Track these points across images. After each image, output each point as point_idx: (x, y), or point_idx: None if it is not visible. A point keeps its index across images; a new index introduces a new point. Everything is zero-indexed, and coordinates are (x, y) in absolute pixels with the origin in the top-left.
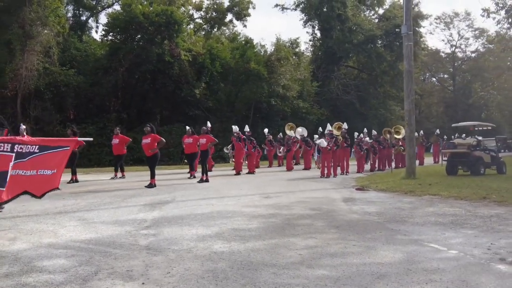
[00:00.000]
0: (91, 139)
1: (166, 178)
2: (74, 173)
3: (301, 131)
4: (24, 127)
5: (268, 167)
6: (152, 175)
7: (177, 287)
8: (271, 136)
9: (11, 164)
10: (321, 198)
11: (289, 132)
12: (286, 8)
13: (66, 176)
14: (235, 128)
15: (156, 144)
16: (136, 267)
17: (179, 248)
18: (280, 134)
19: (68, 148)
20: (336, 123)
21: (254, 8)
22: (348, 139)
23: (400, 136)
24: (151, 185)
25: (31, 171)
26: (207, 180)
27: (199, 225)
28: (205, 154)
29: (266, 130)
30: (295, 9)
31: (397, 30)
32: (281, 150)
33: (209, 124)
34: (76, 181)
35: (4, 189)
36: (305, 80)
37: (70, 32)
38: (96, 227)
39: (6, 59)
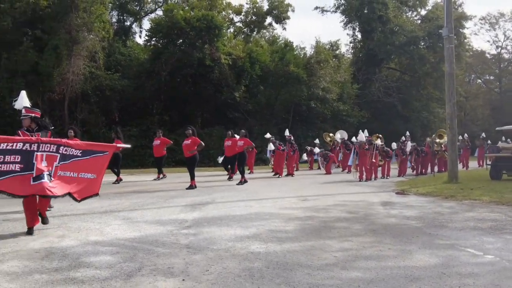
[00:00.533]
0: (129, 146)
1: (206, 180)
2: (118, 174)
3: (341, 135)
4: (72, 132)
5: (309, 169)
6: (192, 177)
7: (215, 284)
8: (309, 148)
9: (56, 164)
10: (359, 201)
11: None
12: (326, 11)
13: (112, 177)
14: (269, 136)
15: (195, 146)
16: (176, 264)
17: (218, 248)
18: (317, 140)
19: (107, 153)
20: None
21: (293, 11)
22: (389, 151)
23: (443, 141)
24: (192, 187)
25: (72, 173)
26: (245, 181)
27: (237, 226)
28: (242, 156)
29: (308, 148)
30: (335, 11)
31: (440, 31)
32: (320, 163)
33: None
34: (120, 180)
35: (52, 184)
36: (345, 83)
37: (114, 37)
38: (139, 226)
39: (54, 63)
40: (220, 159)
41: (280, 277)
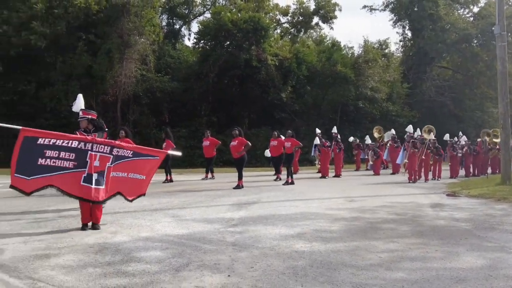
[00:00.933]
0: (180, 153)
1: (253, 180)
2: (168, 173)
3: (391, 134)
4: (123, 133)
5: (355, 170)
6: (240, 177)
7: (259, 280)
8: (358, 140)
9: (108, 164)
10: (408, 203)
11: (376, 135)
12: (375, 9)
13: (162, 176)
14: (318, 131)
15: (243, 147)
16: (223, 261)
17: (263, 246)
18: (367, 137)
19: (158, 158)
20: (426, 127)
21: (340, 10)
22: (440, 148)
23: (498, 140)
24: (239, 186)
25: (123, 173)
26: (292, 183)
27: (282, 225)
28: (290, 157)
29: (351, 139)
30: (384, 10)
31: (493, 28)
32: (370, 157)
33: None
34: (171, 181)
35: (103, 187)
36: (395, 82)
37: (164, 41)
38: (188, 223)
39: (107, 67)
40: (267, 152)
41: (324, 276)
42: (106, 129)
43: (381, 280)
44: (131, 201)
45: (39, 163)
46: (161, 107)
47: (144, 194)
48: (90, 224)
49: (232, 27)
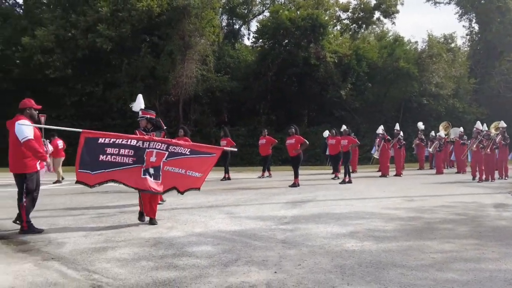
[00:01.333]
0: (235, 149)
1: (310, 178)
2: (226, 171)
3: (458, 131)
4: (182, 132)
5: (418, 169)
6: (296, 175)
7: (305, 278)
8: (423, 135)
9: (163, 160)
10: (470, 203)
11: (441, 133)
12: (439, 2)
13: (220, 174)
14: (380, 128)
15: (299, 145)
16: (271, 257)
17: (312, 244)
18: (433, 132)
19: (215, 155)
20: (494, 123)
21: (402, 4)
22: (508, 138)
23: None
24: (295, 185)
25: (180, 169)
26: (349, 182)
27: (335, 224)
28: (347, 156)
29: (420, 124)
30: (449, 3)
31: None
32: (431, 148)
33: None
34: (229, 178)
35: (160, 181)
36: (461, 77)
37: (224, 41)
38: (241, 220)
39: (169, 68)
40: (326, 133)
41: (371, 275)
42: (165, 128)
43: (431, 280)
44: (182, 193)
45: (100, 159)
46: (221, 106)
47: (198, 189)
48: (147, 219)
49: (290, 25)
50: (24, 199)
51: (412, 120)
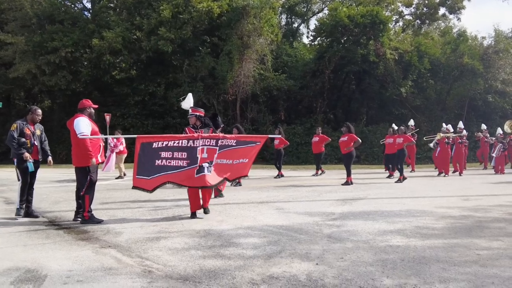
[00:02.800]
0: (279, 136)
1: (365, 177)
2: (279, 169)
3: None
4: (236, 130)
5: (483, 168)
6: (348, 173)
7: (345, 270)
8: (487, 134)
9: (216, 155)
10: None
11: (506, 129)
12: None
13: (274, 172)
14: (445, 126)
15: (352, 143)
16: (314, 250)
17: (358, 239)
18: (499, 130)
19: (259, 143)
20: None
21: (469, 0)
22: None
23: None
24: (347, 183)
25: (228, 160)
26: (404, 179)
27: (383, 221)
28: (401, 154)
29: (483, 126)
30: None
31: None
32: (495, 152)
33: (412, 122)
34: (282, 175)
35: (211, 174)
36: None
37: (282, 39)
38: (289, 216)
39: (228, 68)
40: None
41: (412, 270)
42: (222, 125)
43: (472, 275)
44: (231, 181)
45: (156, 164)
46: (278, 105)
47: (246, 175)
48: (199, 211)
49: (349, 22)
50: (87, 191)
51: (477, 118)
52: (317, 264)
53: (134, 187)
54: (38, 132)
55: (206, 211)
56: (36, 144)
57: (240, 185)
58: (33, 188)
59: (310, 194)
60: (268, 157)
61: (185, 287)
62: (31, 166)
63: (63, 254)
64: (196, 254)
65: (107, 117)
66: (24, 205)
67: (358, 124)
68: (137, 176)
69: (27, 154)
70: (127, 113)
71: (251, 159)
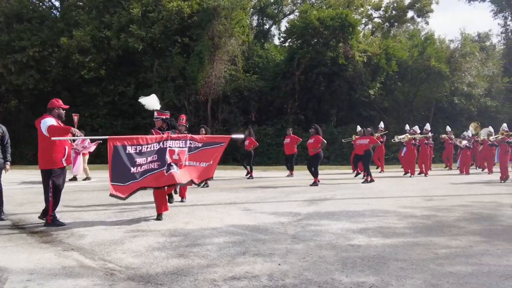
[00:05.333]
0: (242, 136)
1: (334, 178)
2: (251, 170)
3: (487, 131)
4: (203, 131)
5: (448, 169)
6: (315, 174)
7: (306, 270)
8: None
9: (185, 157)
10: (488, 202)
11: (471, 130)
12: (474, 0)
13: (244, 172)
14: (408, 128)
15: (319, 144)
16: (278, 251)
17: (321, 239)
18: (464, 132)
19: (224, 144)
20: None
21: (437, 3)
22: None
23: None
24: (315, 183)
25: (195, 162)
26: (371, 180)
27: (347, 221)
28: (367, 155)
29: (448, 128)
30: (483, 0)
31: None
32: (461, 143)
33: (382, 125)
34: (251, 177)
35: (179, 172)
36: (494, 76)
37: (253, 41)
38: (256, 216)
39: (198, 68)
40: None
41: (371, 268)
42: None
43: (428, 274)
44: (198, 184)
45: (131, 171)
46: (249, 106)
47: (212, 178)
48: (165, 213)
49: (319, 24)
50: (51, 194)
51: (443, 120)
52: (279, 264)
53: (111, 195)
54: None
55: (170, 201)
56: None
57: (208, 186)
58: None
59: (278, 195)
60: (239, 157)
61: None
62: None
63: (25, 257)
64: (160, 255)
65: (75, 118)
66: None
67: (328, 125)
68: (112, 183)
69: None
70: (96, 113)
71: (215, 160)
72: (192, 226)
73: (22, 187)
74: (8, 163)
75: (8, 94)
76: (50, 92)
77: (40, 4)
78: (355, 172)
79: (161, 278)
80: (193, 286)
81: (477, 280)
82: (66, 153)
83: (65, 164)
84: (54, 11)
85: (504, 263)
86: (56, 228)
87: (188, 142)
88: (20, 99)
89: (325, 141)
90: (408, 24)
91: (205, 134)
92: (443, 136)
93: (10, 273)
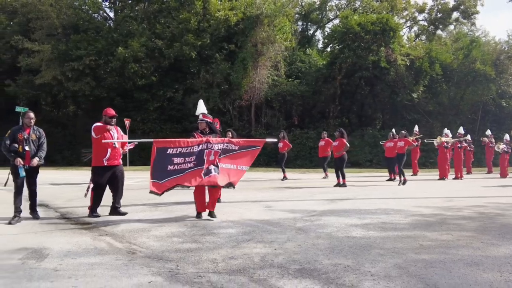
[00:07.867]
0: (275, 140)
1: (364, 180)
2: (283, 171)
3: None
4: (230, 134)
5: (487, 173)
6: (342, 176)
7: (296, 254)
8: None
9: (218, 157)
10: (504, 204)
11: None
12: None
13: (279, 175)
14: (445, 130)
15: (342, 147)
16: (279, 239)
17: (322, 231)
18: (507, 135)
19: (259, 147)
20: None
21: (482, 5)
22: None
23: None
24: (340, 184)
25: (232, 165)
26: (404, 182)
27: (355, 217)
28: (401, 157)
29: (488, 132)
30: None
31: None
32: (499, 148)
33: (416, 128)
34: (285, 178)
35: (219, 175)
36: None
37: (297, 46)
38: (273, 212)
39: (242, 74)
40: None
41: (354, 254)
42: (218, 133)
43: (401, 259)
44: (234, 187)
45: (168, 169)
46: (291, 110)
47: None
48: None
49: (359, 29)
50: (91, 189)
51: (491, 123)
52: (275, 249)
53: (150, 192)
54: (33, 137)
55: (212, 215)
56: (27, 149)
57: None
58: (35, 194)
59: (303, 194)
60: (274, 160)
61: (157, 264)
62: (21, 172)
63: (66, 240)
64: (177, 240)
65: (127, 122)
66: (19, 213)
67: (373, 128)
68: (151, 180)
69: (18, 160)
70: (146, 118)
71: (248, 164)
72: (214, 220)
73: (74, 186)
74: (37, 158)
75: (66, 100)
76: (105, 98)
77: (95, 15)
78: (389, 176)
79: (172, 256)
80: (195, 262)
81: (443, 265)
82: (108, 154)
83: (105, 164)
84: (108, 21)
85: (478, 254)
86: (97, 219)
87: (225, 145)
88: (77, 104)
89: (348, 145)
90: (452, 27)
91: (232, 137)
92: (483, 139)
93: (52, 250)
